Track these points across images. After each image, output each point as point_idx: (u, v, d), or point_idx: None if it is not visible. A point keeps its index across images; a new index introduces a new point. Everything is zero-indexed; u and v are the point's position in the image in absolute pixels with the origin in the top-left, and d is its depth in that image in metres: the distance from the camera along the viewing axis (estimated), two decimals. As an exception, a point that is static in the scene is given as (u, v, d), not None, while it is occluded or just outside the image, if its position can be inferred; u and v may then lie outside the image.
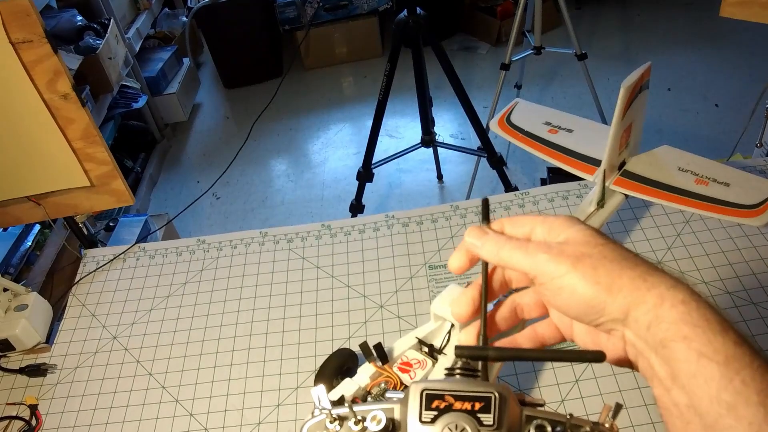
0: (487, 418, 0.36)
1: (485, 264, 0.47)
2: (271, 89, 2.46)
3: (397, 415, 0.39)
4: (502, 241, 0.45)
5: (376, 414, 0.38)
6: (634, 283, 0.39)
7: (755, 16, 1.10)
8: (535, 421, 0.37)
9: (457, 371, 0.41)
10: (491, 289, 0.49)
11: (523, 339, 0.49)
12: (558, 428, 0.37)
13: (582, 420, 0.37)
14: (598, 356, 0.40)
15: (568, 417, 0.38)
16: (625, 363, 0.43)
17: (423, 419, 0.37)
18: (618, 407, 0.38)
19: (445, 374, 0.42)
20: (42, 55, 0.99)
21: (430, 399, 0.37)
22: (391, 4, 3.48)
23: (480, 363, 0.43)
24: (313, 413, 0.40)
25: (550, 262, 0.41)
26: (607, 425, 0.38)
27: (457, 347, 0.41)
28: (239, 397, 0.95)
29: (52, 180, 1.12)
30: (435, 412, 0.37)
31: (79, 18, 2.59)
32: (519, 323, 0.50)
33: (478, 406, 0.36)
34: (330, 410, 0.39)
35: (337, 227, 1.19)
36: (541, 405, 0.43)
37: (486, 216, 0.47)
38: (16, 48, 0.98)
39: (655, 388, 0.39)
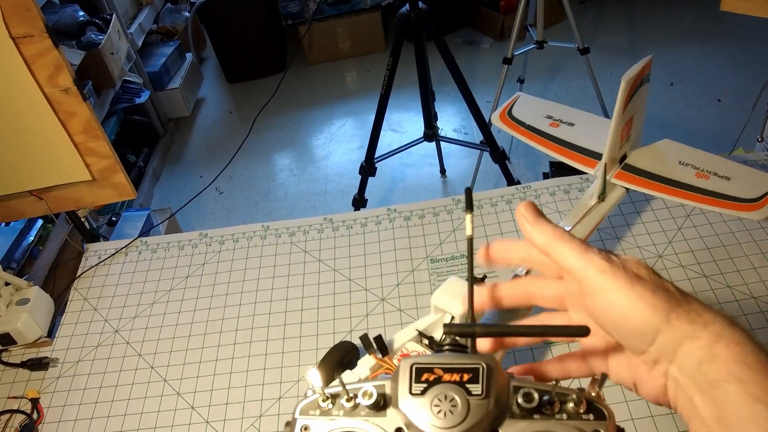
0: (476, 388, 0.37)
1: (470, 240, 0.46)
2: (274, 84, 2.47)
3: (388, 390, 0.39)
4: (559, 230, 0.43)
5: (367, 389, 0.38)
6: (690, 317, 0.38)
7: (756, 9, 1.09)
8: (522, 390, 0.38)
9: (446, 348, 0.42)
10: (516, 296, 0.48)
11: (549, 367, 0.47)
12: (545, 397, 0.37)
13: (567, 389, 0.38)
14: (581, 330, 0.40)
15: (554, 384, 0.38)
16: (663, 400, 0.41)
17: (413, 392, 0.37)
18: (604, 377, 0.38)
19: (434, 351, 0.43)
20: (43, 50, 0.99)
21: (419, 372, 0.38)
22: (394, -2, 3.48)
23: (468, 340, 0.44)
24: (306, 394, 0.41)
25: (605, 272, 0.39)
26: (593, 394, 0.38)
27: (444, 325, 0.42)
28: (241, 390, 0.95)
29: (53, 174, 1.12)
30: (425, 385, 0.37)
31: (81, 13, 2.59)
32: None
33: (466, 377, 0.37)
34: (322, 388, 0.40)
35: (339, 221, 1.20)
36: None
37: (469, 205, 0.47)
38: (17, 42, 0.98)
39: (693, 427, 0.38)
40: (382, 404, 0.39)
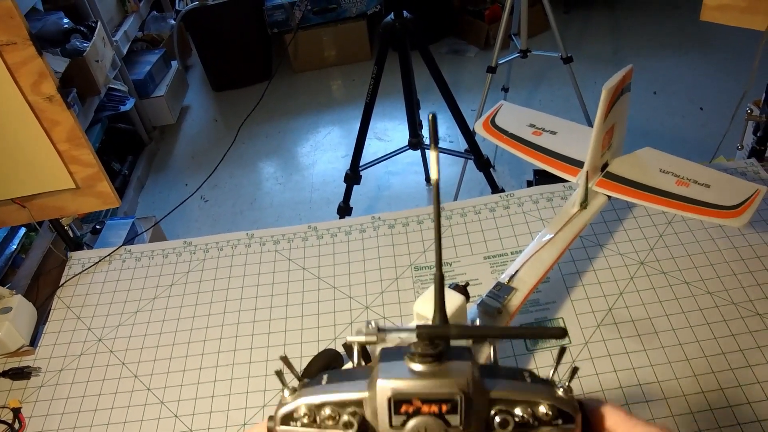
0: (454, 419, 0.37)
1: (437, 187, 0.43)
2: (260, 92, 2.46)
3: (366, 411, 0.39)
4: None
5: (346, 419, 0.39)
6: None
7: (734, 20, 1.11)
8: (497, 417, 0.38)
9: (417, 355, 0.40)
10: None
11: None
12: (517, 411, 0.38)
13: (539, 395, 0.38)
14: (559, 332, 0.40)
15: (527, 374, 0.39)
16: None
17: (393, 424, 0.38)
18: (575, 370, 0.39)
19: (408, 355, 0.41)
20: (26, 57, 0.99)
21: (398, 404, 0.37)
22: (380, 7, 3.49)
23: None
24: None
25: None
26: (560, 393, 0.38)
27: (417, 326, 0.41)
28: (225, 399, 0.95)
29: (37, 182, 1.12)
30: (404, 417, 0.37)
31: (66, 21, 2.58)
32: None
33: (445, 407, 0.37)
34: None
35: (324, 229, 1.20)
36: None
37: (435, 137, 0.43)
38: (0, 50, 0.98)
39: None
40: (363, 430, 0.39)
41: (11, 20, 0.96)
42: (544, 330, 0.41)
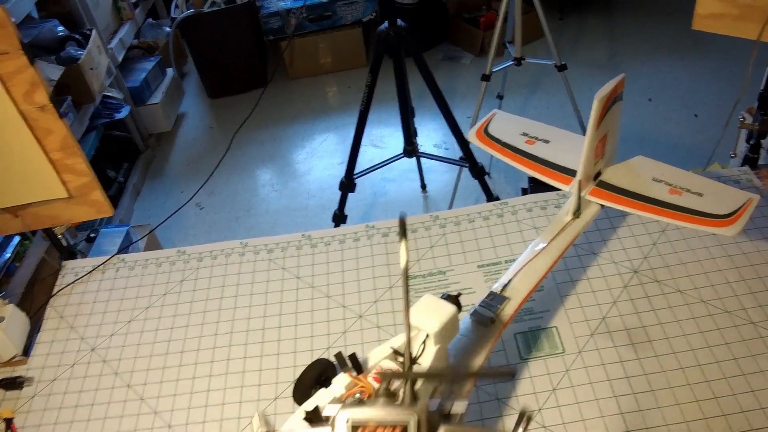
0: None
1: (406, 274, 0.47)
2: (256, 99, 2.47)
3: None
4: None
5: None
6: None
7: (727, 28, 1.11)
8: None
9: (381, 395, 0.43)
10: None
11: None
12: None
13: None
14: (507, 373, 0.43)
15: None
16: None
17: None
18: (529, 417, 0.40)
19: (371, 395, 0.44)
20: (18, 67, 0.99)
21: (355, 428, 0.40)
22: (375, 14, 3.50)
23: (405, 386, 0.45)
24: None
25: None
26: None
27: (377, 373, 0.43)
28: (218, 408, 0.95)
29: (30, 191, 1.11)
30: None
31: (61, 28, 2.58)
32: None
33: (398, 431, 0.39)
34: None
35: (318, 237, 1.20)
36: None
37: (403, 232, 0.47)
38: (-7, 60, 0.98)
39: None
40: None
41: (3, 30, 0.96)
42: (493, 371, 0.44)
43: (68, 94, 2.44)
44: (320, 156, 3.09)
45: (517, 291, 0.81)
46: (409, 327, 0.46)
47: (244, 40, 3.47)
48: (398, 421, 0.39)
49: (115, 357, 1.05)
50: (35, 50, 2.42)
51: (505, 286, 0.82)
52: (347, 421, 0.39)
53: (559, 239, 0.88)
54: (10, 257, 1.72)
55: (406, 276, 0.46)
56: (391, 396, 0.43)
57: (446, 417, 0.45)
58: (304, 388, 0.81)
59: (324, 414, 0.46)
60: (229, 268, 1.17)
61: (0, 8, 0.96)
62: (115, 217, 2.66)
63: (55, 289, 1.20)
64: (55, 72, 2.35)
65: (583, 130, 2.15)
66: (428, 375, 0.46)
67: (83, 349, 1.08)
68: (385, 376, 0.43)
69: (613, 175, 0.93)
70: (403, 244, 0.46)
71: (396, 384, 0.64)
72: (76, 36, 2.60)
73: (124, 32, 3.09)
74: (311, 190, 2.87)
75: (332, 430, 0.40)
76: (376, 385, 0.65)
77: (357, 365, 0.65)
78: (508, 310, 0.79)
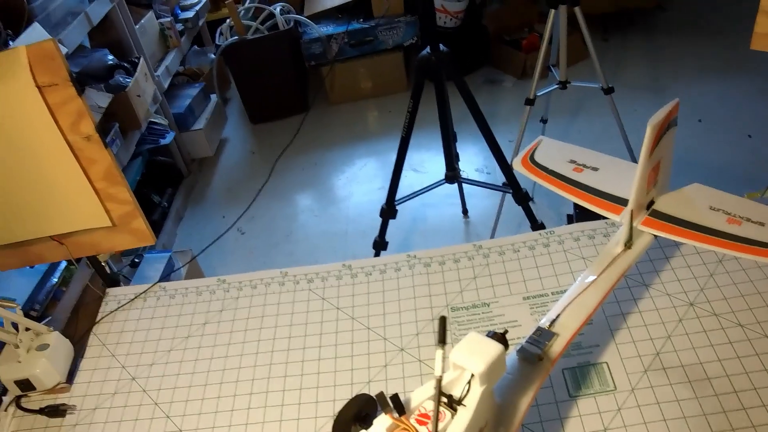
0: None
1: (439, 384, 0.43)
2: (297, 124, 2.48)
3: None
4: None
5: None
6: None
7: (786, 49, 1.07)
8: None
9: None
10: None
11: None
12: None
13: None
14: None
15: None
16: None
17: None
18: None
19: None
20: (66, 98, 1.00)
21: None
22: (417, 39, 3.50)
23: None
24: None
25: None
26: None
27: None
28: (256, 443, 0.93)
29: (74, 220, 1.13)
30: None
31: (110, 57, 2.65)
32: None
33: None
34: None
35: (358, 267, 1.18)
36: None
37: (442, 338, 0.44)
38: (42, 91, 1.00)
39: None
40: None
41: (52, 62, 0.98)
42: None
43: (116, 120, 2.49)
44: (360, 181, 3.08)
45: (566, 327, 0.78)
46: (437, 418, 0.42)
47: (286, 66, 3.52)
48: None
49: (155, 387, 1.05)
50: (85, 78, 2.48)
51: (553, 321, 0.79)
52: None
53: (609, 271, 0.84)
54: (56, 282, 1.75)
55: (439, 387, 0.42)
56: None
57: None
58: (343, 425, 0.79)
59: None
60: (269, 298, 1.16)
61: (51, 41, 0.98)
62: (159, 242, 2.70)
63: (99, 317, 1.21)
64: (104, 99, 2.41)
65: (631, 155, 2.10)
66: None
67: (124, 378, 1.08)
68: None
69: (666, 203, 0.89)
70: (439, 351, 0.42)
71: (441, 426, 0.62)
72: (125, 64, 2.66)
73: (170, 60, 3.15)
74: (351, 215, 2.87)
75: None
76: (419, 427, 0.62)
77: (399, 406, 0.63)
78: (557, 346, 0.76)
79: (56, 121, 1.02)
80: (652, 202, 0.89)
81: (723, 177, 2.60)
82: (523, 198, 2.03)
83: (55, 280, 1.76)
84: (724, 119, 2.96)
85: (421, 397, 0.64)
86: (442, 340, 0.41)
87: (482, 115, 1.90)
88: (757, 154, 2.70)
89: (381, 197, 2.14)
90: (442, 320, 0.43)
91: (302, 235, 2.81)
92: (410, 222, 2.72)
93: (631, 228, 0.86)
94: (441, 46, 1.80)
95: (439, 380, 0.41)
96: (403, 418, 0.62)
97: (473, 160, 3.02)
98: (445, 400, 0.64)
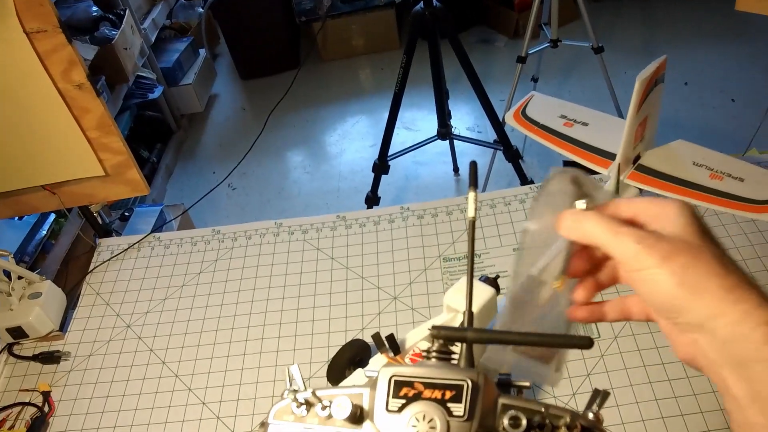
0: (458, 408, 0.34)
1: (473, 226, 0.44)
2: (288, 81, 2.46)
3: (365, 402, 0.37)
4: (588, 216, 0.42)
5: (340, 401, 0.36)
6: (719, 293, 0.37)
7: (772, 9, 1.08)
8: (509, 412, 0.35)
9: (433, 354, 0.39)
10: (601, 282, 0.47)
11: (609, 307, 0.47)
12: (536, 418, 0.35)
13: (561, 409, 0.36)
14: (585, 342, 0.38)
15: (544, 410, 0.36)
16: (694, 365, 0.41)
17: (389, 408, 0.35)
18: (605, 395, 0.37)
19: (423, 356, 0.40)
20: (56, 45, 0.99)
21: (398, 386, 0.35)
22: (409, -5, 3.47)
23: (461, 345, 0.41)
24: (283, 395, 0.39)
25: (638, 253, 0.39)
26: (591, 415, 0.36)
27: (432, 327, 0.39)
28: (252, 387, 0.95)
29: (66, 169, 1.13)
30: (403, 401, 0.35)
31: (95, 8, 2.60)
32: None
33: (449, 394, 0.34)
34: (296, 392, 0.38)
35: (352, 219, 1.19)
36: (527, 387, 0.42)
37: (474, 182, 0.45)
38: (31, 38, 0.98)
39: (727, 403, 0.38)
40: (358, 415, 0.37)
41: (41, 8, 0.96)
42: (569, 339, 0.39)
43: (102, 74, 2.46)
44: (352, 138, 3.08)
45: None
46: (471, 272, 0.43)
47: (276, 21, 3.47)
48: (450, 383, 0.34)
49: (150, 334, 1.07)
50: (70, 30, 2.44)
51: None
52: (390, 378, 0.35)
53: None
54: (45, 234, 1.75)
55: (473, 228, 0.43)
56: (445, 357, 0.39)
57: (506, 387, 0.43)
58: (338, 369, 0.81)
59: (366, 374, 0.41)
60: (264, 248, 1.17)
61: (38, -14, 0.96)
62: (149, 197, 2.70)
63: (91, 267, 1.22)
64: (90, 52, 2.37)
65: (619, 114, 2.12)
66: (491, 338, 0.40)
67: (119, 326, 1.09)
68: (440, 334, 0.39)
69: (652, 159, 0.91)
70: (471, 194, 0.43)
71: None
72: (110, 16, 2.62)
73: (156, 13, 3.10)
74: (343, 172, 2.87)
75: (374, 385, 0.36)
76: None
77: (394, 346, 0.65)
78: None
79: (46, 69, 1.01)
80: (638, 157, 0.91)
81: (705, 139, 2.61)
82: (513, 156, 2.05)
83: (44, 232, 1.76)
84: (711, 83, 2.97)
85: (415, 338, 0.67)
86: (473, 183, 0.43)
87: (475, 72, 1.90)
88: (740, 118, 2.73)
89: (373, 154, 2.15)
90: (473, 164, 0.45)
91: (294, 192, 2.82)
92: (402, 180, 2.73)
93: (618, 181, 0.88)
94: (435, 2, 1.79)
95: (473, 222, 0.43)
96: (398, 357, 0.65)
97: (465, 119, 3.02)
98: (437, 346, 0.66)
